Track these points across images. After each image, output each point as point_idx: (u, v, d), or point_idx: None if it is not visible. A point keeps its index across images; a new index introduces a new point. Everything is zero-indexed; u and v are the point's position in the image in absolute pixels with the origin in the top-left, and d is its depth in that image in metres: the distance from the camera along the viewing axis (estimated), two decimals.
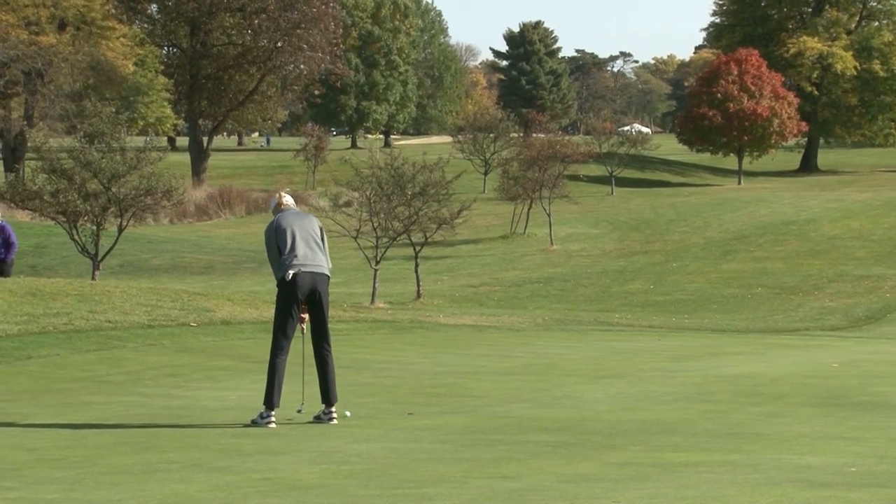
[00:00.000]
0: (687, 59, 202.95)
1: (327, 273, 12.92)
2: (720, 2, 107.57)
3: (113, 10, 78.68)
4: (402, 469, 9.80)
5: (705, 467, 9.73)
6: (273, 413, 12.54)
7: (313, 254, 12.79)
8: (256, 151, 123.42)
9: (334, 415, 12.75)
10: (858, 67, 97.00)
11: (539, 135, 79.55)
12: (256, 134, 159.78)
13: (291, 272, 12.60)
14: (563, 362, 19.05)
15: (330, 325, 13.15)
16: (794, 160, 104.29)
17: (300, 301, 12.67)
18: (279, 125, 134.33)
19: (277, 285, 12.80)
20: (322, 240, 12.98)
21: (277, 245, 12.76)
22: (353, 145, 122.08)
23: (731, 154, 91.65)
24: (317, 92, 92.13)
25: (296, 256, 12.67)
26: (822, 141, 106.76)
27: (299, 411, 12.97)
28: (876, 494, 8.49)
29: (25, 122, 71.18)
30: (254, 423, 12.47)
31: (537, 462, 10.14)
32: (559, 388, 15.54)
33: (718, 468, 9.67)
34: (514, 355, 19.99)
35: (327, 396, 12.81)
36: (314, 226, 12.99)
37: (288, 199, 13.20)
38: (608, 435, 11.64)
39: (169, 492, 8.87)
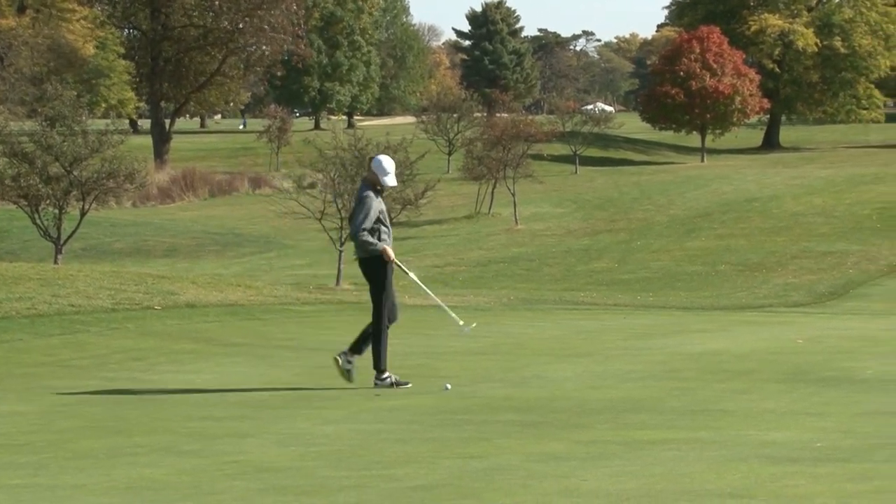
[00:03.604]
0: (649, 37, 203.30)
1: (358, 255, 13.74)
2: None
3: None
4: (370, 450, 9.80)
5: (672, 444, 9.75)
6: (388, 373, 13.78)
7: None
8: (219, 133, 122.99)
9: (349, 365, 13.66)
10: (819, 44, 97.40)
11: (502, 114, 79.59)
12: (219, 116, 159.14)
13: None
14: (530, 342, 19.09)
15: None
16: (757, 137, 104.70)
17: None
18: (242, 107, 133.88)
19: None
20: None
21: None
22: (317, 126, 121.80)
23: (694, 132, 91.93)
24: (279, 73, 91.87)
25: None
26: (783, 118, 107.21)
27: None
28: (842, 469, 8.53)
29: None
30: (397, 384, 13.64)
31: (506, 441, 10.15)
32: (527, 367, 15.56)
33: (685, 445, 9.70)
34: (481, 335, 20.02)
35: (356, 345, 13.76)
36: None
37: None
38: (576, 413, 11.67)
39: (136, 476, 8.83)
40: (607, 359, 16.36)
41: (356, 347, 13.71)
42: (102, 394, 13.38)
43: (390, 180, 13.37)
